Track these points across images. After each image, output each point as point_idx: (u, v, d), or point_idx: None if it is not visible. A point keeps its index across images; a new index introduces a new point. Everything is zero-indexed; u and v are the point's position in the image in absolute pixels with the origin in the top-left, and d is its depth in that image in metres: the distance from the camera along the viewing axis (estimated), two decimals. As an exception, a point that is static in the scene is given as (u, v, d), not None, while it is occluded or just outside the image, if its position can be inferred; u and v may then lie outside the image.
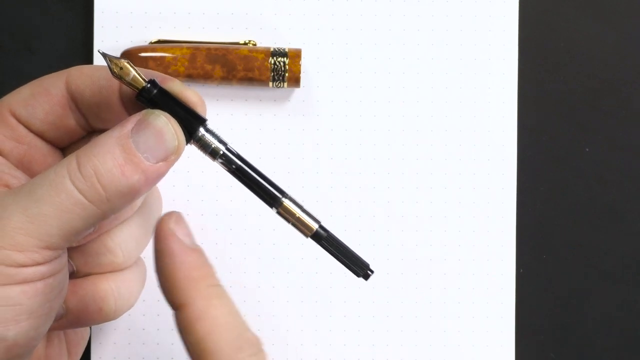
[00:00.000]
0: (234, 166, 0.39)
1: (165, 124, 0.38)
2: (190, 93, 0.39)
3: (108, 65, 0.38)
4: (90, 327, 0.51)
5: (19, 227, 0.36)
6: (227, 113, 0.53)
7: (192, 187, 0.52)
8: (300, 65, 0.51)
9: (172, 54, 0.51)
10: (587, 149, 0.54)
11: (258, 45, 0.53)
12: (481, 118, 0.53)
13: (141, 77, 0.38)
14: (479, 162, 0.53)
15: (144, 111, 0.38)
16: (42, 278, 0.37)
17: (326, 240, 0.40)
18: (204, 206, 0.52)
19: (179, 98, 0.39)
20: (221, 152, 0.39)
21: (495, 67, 0.53)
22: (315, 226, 0.40)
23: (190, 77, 0.52)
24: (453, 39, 0.53)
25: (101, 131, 0.40)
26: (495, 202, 0.53)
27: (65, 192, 0.36)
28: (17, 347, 0.38)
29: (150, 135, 0.38)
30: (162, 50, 0.51)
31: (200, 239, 0.52)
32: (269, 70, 0.51)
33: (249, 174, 0.40)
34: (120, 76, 0.38)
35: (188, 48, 0.52)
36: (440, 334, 0.53)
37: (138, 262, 0.45)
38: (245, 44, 0.52)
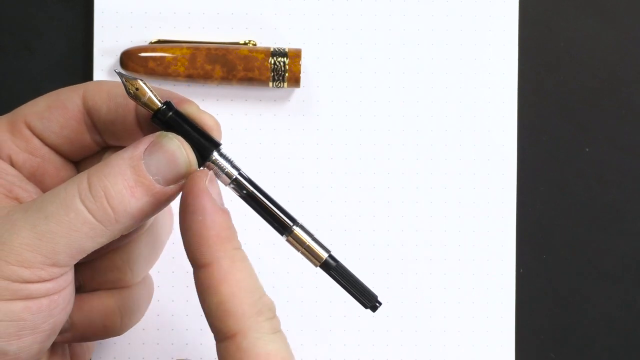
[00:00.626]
0: (245, 192, 0.39)
1: (178, 147, 0.38)
2: (206, 116, 0.39)
3: (124, 84, 0.38)
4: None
5: (26, 243, 0.36)
6: (227, 113, 0.53)
7: (192, 187, 0.52)
8: (300, 65, 0.51)
9: (172, 54, 0.51)
10: (587, 149, 0.54)
11: (258, 45, 0.53)
12: (481, 118, 0.53)
13: (157, 98, 0.38)
14: (479, 162, 0.53)
15: (157, 133, 0.38)
16: (47, 294, 0.37)
17: (335, 270, 0.40)
18: (204, 206, 0.52)
19: (195, 121, 0.39)
20: (233, 178, 0.39)
21: (495, 67, 0.53)
22: (324, 255, 0.40)
23: (190, 77, 0.52)
24: (453, 39, 0.53)
25: (116, 148, 0.40)
26: (495, 202, 0.53)
27: (74, 211, 0.36)
28: None
29: (162, 158, 0.37)
30: (162, 50, 0.51)
31: (200, 239, 0.52)
32: (269, 70, 0.51)
33: (261, 200, 0.39)
34: (136, 97, 0.38)
35: (188, 48, 0.51)
36: (440, 334, 0.53)
37: (146, 278, 0.45)
38: (245, 44, 0.52)
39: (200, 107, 0.40)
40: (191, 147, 0.38)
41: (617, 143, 0.54)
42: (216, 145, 0.39)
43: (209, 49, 0.52)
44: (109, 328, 0.43)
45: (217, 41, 0.53)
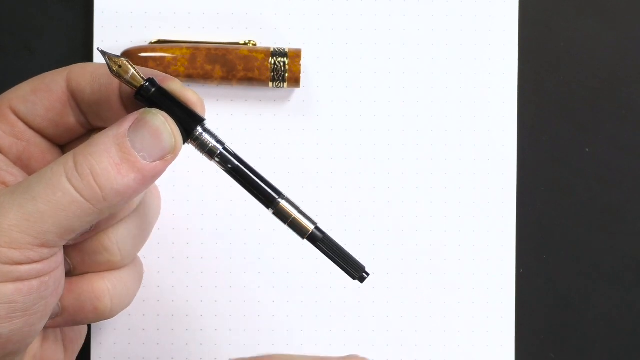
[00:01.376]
0: (230, 166, 0.39)
1: (162, 123, 0.38)
2: (190, 93, 0.39)
3: (107, 63, 0.38)
4: (90, 327, 0.51)
5: (14, 224, 0.36)
6: (227, 113, 0.53)
7: (192, 187, 0.52)
8: (300, 65, 0.51)
9: (172, 54, 0.51)
10: (587, 149, 0.54)
11: (258, 45, 0.53)
12: (481, 118, 0.53)
13: (140, 75, 0.38)
14: (479, 162, 0.53)
15: (141, 110, 0.38)
16: (37, 276, 0.37)
17: (322, 242, 0.40)
18: (204, 206, 0.52)
19: (178, 97, 0.39)
20: (218, 152, 0.39)
21: (495, 67, 0.53)
22: (311, 227, 0.40)
23: (190, 77, 0.52)
24: (453, 39, 0.53)
25: (101, 130, 0.40)
26: (495, 202, 0.53)
27: (61, 190, 0.36)
28: (11, 344, 0.38)
29: (147, 134, 0.38)
30: (162, 50, 0.51)
31: (199, 239, 0.52)
32: (269, 70, 0.51)
33: (246, 174, 0.40)
34: (118, 74, 0.38)
35: (188, 48, 0.51)
36: (440, 334, 0.53)
37: (135, 261, 0.45)
38: (245, 44, 0.52)
39: None
40: (175, 122, 0.38)
41: (617, 143, 0.54)
42: (200, 121, 0.39)
43: (209, 49, 0.52)
44: (100, 311, 0.43)
45: (217, 41, 0.53)
